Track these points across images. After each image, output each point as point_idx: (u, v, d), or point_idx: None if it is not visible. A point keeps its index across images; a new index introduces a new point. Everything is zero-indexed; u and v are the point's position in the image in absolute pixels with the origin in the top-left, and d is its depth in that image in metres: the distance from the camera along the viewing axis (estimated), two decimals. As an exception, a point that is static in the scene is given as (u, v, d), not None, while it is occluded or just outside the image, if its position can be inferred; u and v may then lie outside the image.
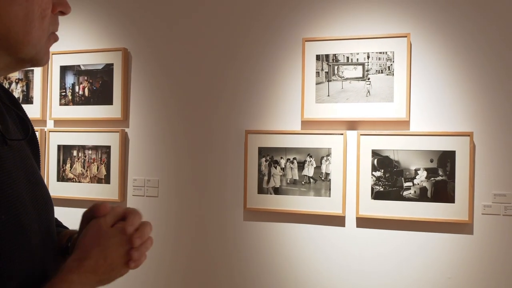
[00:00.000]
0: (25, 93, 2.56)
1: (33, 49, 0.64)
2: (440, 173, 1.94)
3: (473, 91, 1.94)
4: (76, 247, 0.66)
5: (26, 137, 0.74)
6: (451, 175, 1.92)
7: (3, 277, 0.57)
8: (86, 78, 2.45)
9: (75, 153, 2.45)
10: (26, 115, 0.78)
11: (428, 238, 1.97)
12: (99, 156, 2.41)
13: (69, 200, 2.43)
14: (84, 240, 0.66)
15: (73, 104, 2.47)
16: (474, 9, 1.94)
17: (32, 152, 0.76)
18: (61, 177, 2.46)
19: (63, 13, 0.69)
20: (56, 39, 0.70)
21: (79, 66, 2.46)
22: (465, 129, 1.94)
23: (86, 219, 0.71)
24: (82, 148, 2.44)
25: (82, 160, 2.44)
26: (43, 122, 2.53)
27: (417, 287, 1.97)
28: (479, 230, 1.92)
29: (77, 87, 2.47)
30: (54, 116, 2.50)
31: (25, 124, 0.76)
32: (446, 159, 1.93)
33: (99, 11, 2.47)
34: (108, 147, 2.39)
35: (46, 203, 0.72)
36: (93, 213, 0.69)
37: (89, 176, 2.42)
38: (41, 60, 0.67)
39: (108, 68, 2.41)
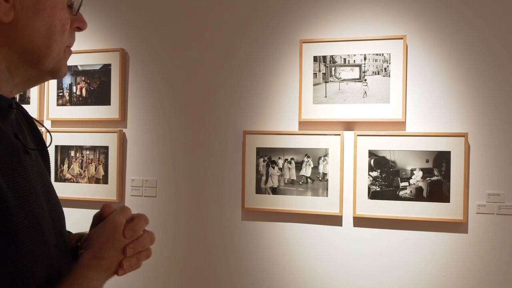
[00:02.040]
0: (22, 93, 2.55)
1: (53, 61, 0.67)
2: (436, 173, 1.97)
3: (468, 92, 1.97)
4: (92, 245, 0.69)
5: (44, 147, 0.77)
6: (447, 175, 1.95)
7: (25, 278, 0.60)
8: (83, 78, 2.45)
9: (72, 153, 2.45)
10: (39, 130, 0.82)
11: (424, 237, 2.00)
12: (97, 157, 2.41)
13: (67, 201, 2.43)
14: (100, 240, 0.69)
15: (71, 105, 2.47)
16: (469, 11, 1.97)
17: (44, 164, 0.79)
18: (59, 178, 2.46)
19: (79, 28, 0.72)
20: (70, 53, 0.74)
21: (76, 66, 2.46)
22: (460, 130, 1.97)
23: (97, 221, 0.75)
24: (80, 148, 2.44)
25: (80, 161, 2.44)
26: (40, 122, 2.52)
27: (413, 284, 2.01)
28: (473, 229, 1.95)
29: (74, 88, 2.47)
30: (52, 117, 2.50)
31: (38, 138, 0.80)
32: (441, 159, 1.96)
33: (96, 12, 2.47)
34: (106, 148, 2.39)
35: (59, 211, 0.76)
36: (102, 214, 0.74)
37: (87, 177, 2.42)
38: (60, 71, 0.70)
39: (106, 68, 2.41)
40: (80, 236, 0.82)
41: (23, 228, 0.60)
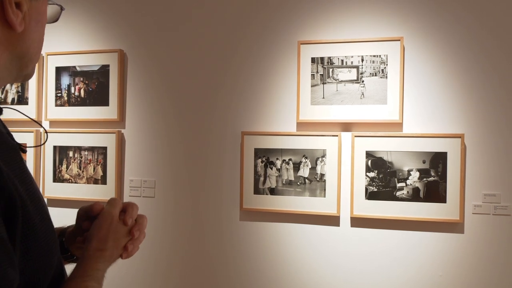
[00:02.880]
0: (20, 93, 2.56)
1: (34, 66, 0.73)
2: (432, 173, 1.98)
3: (464, 93, 1.99)
4: (93, 238, 0.75)
5: (39, 145, 0.80)
6: (443, 175, 1.97)
7: (47, 269, 0.65)
8: (82, 79, 2.45)
9: (71, 154, 2.46)
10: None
11: (421, 237, 2.02)
12: (96, 157, 2.42)
13: (66, 201, 2.44)
14: (101, 233, 0.77)
15: (69, 105, 2.47)
16: (466, 13, 1.99)
17: None
18: (57, 178, 2.47)
19: None
20: None
21: (74, 67, 2.46)
22: (457, 131, 1.98)
23: (83, 215, 0.83)
24: (78, 149, 2.44)
25: (78, 161, 2.44)
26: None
27: (410, 284, 2.02)
28: (469, 229, 1.97)
29: (72, 88, 2.47)
30: (50, 117, 2.50)
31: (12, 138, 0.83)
32: (438, 160, 1.98)
33: (95, 12, 2.47)
34: (105, 148, 2.40)
35: (46, 205, 0.78)
36: (89, 213, 0.81)
37: (85, 177, 2.43)
38: (31, 75, 0.74)
39: (104, 69, 2.41)
40: (60, 231, 0.87)
41: (38, 223, 0.63)
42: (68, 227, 0.91)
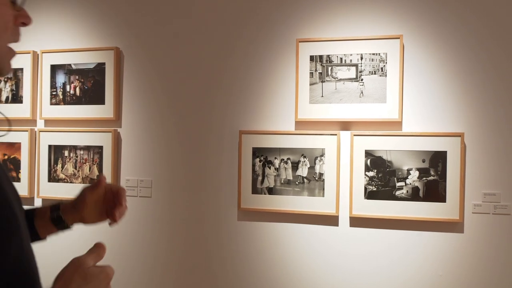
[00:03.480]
0: (14, 92, 2.52)
1: (4, 58, 0.67)
2: (432, 173, 1.97)
3: (464, 92, 1.97)
4: (57, 279, 0.67)
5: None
6: (443, 175, 1.96)
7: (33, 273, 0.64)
8: (77, 77, 2.42)
9: (66, 153, 2.42)
10: None
11: (420, 236, 2.00)
12: (91, 157, 2.39)
13: (61, 201, 2.41)
14: (65, 274, 0.67)
15: (64, 104, 2.44)
16: (466, 11, 1.97)
17: None
18: (52, 178, 2.44)
19: (24, 24, 0.72)
20: (14, 52, 0.72)
21: (70, 65, 2.43)
22: (456, 130, 1.97)
23: (85, 193, 0.88)
24: (73, 148, 2.41)
25: (74, 161, 2.41)
26: (33, 121, 2.49)
27: (410, 284, 2.01)
28: (469, 228, 1.96)
29: (68, 87, 2.44)
30: (45, 116, 2.46)
31: None
32: (437, 159, 1.96)
33: (91, 10, 2.44)
34: (100, 147, 2.37)
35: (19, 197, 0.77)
36: (96, 185, 0.86)
37: (81, 177, 2.40)
38: (3, 69, 0.70)
39: (100, 67, 2.38)
40: (46, 208, 0.89)
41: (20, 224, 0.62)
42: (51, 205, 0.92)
